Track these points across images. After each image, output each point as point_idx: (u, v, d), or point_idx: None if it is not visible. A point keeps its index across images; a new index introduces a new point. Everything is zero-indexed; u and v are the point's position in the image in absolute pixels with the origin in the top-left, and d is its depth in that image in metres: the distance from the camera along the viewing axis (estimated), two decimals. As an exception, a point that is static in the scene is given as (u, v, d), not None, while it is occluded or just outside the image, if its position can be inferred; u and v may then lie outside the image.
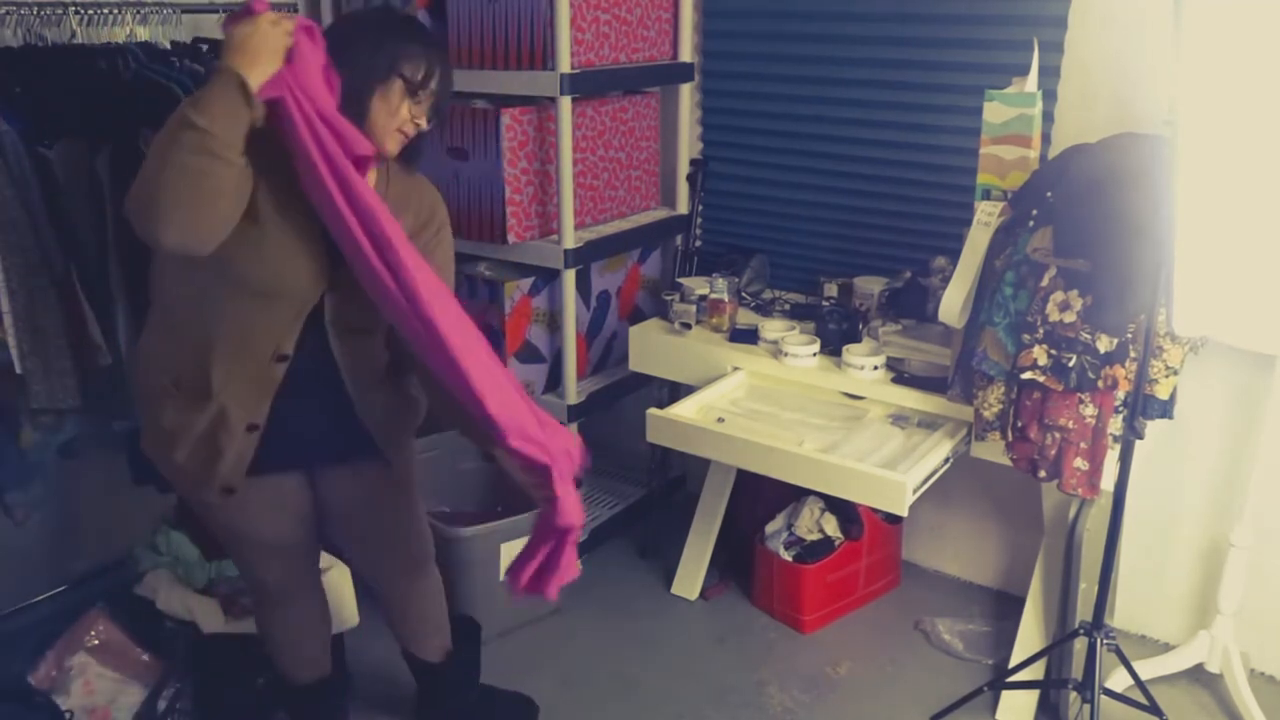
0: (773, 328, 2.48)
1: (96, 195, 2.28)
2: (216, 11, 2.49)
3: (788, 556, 2.63)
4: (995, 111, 2.13)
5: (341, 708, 2.19)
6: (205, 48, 2.38)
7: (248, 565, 1.92)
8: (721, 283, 2.53)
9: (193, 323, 1.64)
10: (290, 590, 1.97)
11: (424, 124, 1.66)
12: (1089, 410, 1.94)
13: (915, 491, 2.05)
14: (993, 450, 2.15)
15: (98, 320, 2.08)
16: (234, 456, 1.67)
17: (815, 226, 2.79)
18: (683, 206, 2.99)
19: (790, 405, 2.30)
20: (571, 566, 1.70)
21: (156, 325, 1.71)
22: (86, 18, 2.15)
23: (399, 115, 1.62)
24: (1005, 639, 2.45)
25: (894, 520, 2.74)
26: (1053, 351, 1.93)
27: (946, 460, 2.16)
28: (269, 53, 1.45)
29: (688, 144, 2.94)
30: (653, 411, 2.27)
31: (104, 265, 2.27)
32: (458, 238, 2.72)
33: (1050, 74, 2.31)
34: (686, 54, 2.87)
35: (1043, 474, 2.02)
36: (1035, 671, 2.26)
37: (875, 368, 2.29)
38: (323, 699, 2.11)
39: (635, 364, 2.65)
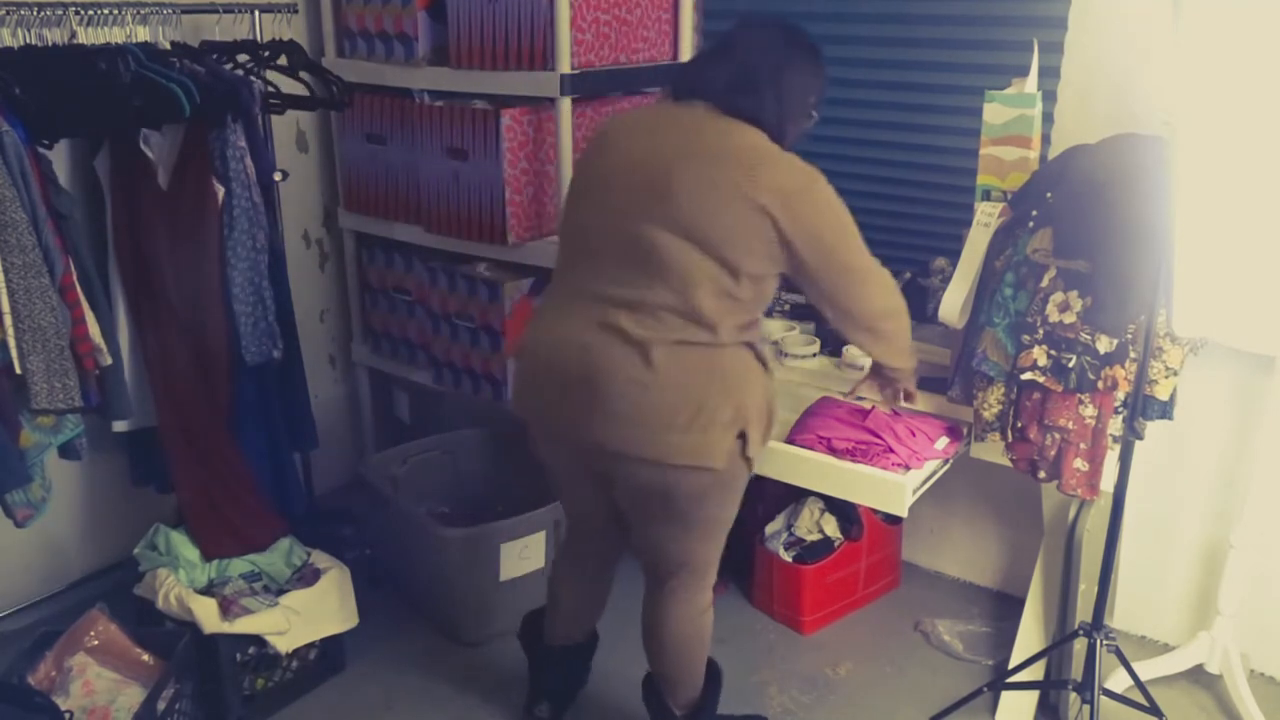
0: (773, 328, 2.48)
1: (96, 195, 2.29)
2: (216, 12, 2.50)
3: (788, 557, 2.63)
4: (995, 112, 2.13)
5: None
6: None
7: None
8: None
9: None
10: None
11: None
12: (1089, 411, 1.94)
13: (915, 492, 2.05)
14: (992, 451, 2.15)
15: (98, 320, 2.08)
16: None
17: (815, 227, 2.78)
18: (683, 207, 2.98)
19: (789, 405, 2.30)
20: None
21: None
22: (87, 18, 2.15)
23: None
24: (1005, 640, 2.45)
25: (894, 521, 2.74)
26: (1052, 352, 1.93)
27: (946, 461, 2.16)
28: None
29: (688, 144, 2.94)
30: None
31: (104, 265, 2.28)
32: (457, 238, 2.75)
33: (1050, 75, 2.31)
34: (686, 54, 2.87)
35: (1042, 475, 2.02)
36: (1035, 672, 2.26)
37: (875, 368, 2.29)
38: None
39: (635, 364, 2.65)
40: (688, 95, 1.80)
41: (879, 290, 1.85)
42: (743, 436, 1.77)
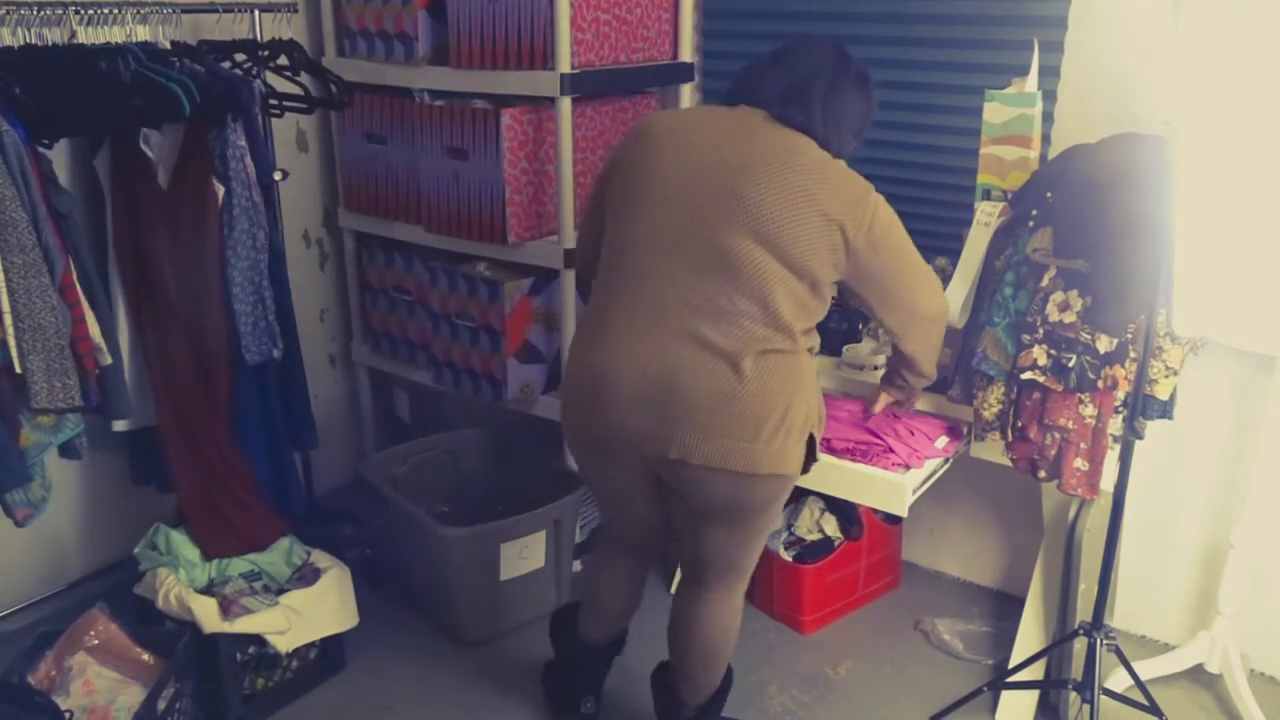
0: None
1: (96, 195, 2.29)
2: (216, 12, 2.50)
3: (788, 557, 2.63)
4: (995, 112, 2.13)
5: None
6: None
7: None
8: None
9: None
10: None
11: None
12: (1089, 410, 1.94)
13: (915, 492, 2.05)
14: (992, 450, 2.15)
15: (98, 320, 2.08)
16: None
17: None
18: (683, 207, 2.98)
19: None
20: None
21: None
22: (87, 17, 2.15)
23: None
24: (1005, 639, 2.45)
25: (894, 520, 2.74)
26: (1052, 352, 1.93)
27: (946, 460, 2.16)
28: None
29: (688, 144, 2.94)
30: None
31: (104, 265, 2.28)
32: (457, 237, 2.75)
33: (1050, 74, 2.31)
34: (686, 54, 2.87)
35: (1042, 474, 2.02)
36: (1035, 672, 2.26)
37: (875, 368, 2.29)
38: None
39: (635, 364, 2.65)
40: (740, 99, 1.82)
41: (930, 294, 1.88)
42: (810, 439, 1.81)
